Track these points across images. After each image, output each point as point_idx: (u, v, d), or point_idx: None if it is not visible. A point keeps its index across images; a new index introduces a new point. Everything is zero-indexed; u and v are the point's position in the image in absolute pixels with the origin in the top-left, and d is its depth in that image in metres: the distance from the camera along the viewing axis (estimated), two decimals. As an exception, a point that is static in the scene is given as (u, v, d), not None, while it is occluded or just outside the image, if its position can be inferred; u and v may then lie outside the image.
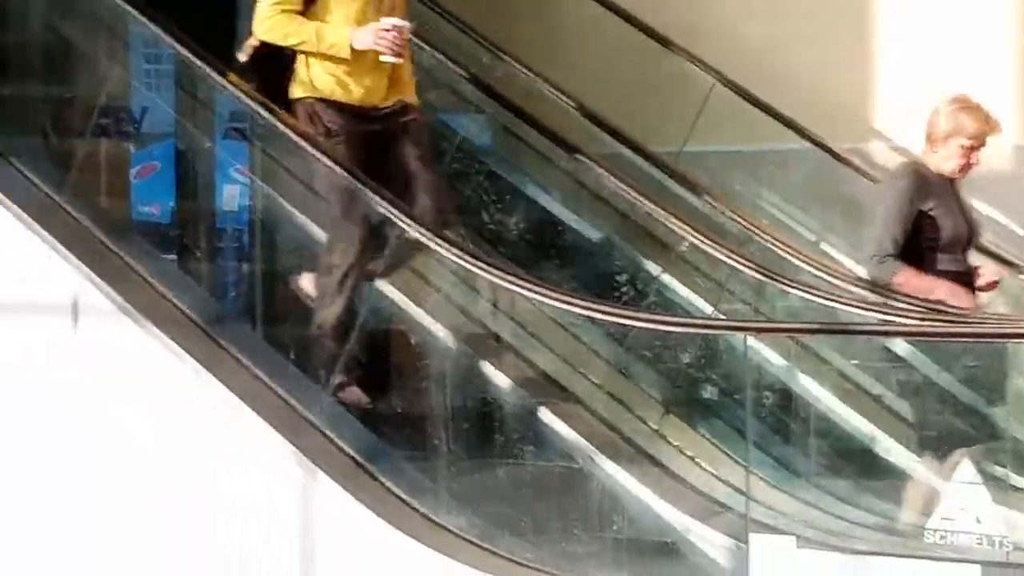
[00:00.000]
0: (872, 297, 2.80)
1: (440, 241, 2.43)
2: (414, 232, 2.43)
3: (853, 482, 2.93)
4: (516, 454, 2.90)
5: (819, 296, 2.83)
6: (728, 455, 2.95)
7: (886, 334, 2.96)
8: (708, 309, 3.13)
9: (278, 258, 3.00)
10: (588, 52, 3.36)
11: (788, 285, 2.92)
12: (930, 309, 2.74)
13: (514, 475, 2.86)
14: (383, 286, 2.78)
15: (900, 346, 2.94)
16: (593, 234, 3.17)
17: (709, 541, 2.75)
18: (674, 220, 2.90)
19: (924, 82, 3.28)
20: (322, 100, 2.61)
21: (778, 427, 3.09)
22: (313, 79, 2.62)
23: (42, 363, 2.76)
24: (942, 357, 2.79)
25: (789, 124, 3.19)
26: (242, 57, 2.66)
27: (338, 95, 2.62)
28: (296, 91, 2.64)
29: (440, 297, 2.91)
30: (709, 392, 3.03)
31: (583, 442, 2.90)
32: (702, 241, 2.91)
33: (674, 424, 2.99)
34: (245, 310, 2.95)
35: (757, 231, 3.02)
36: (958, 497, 2.59)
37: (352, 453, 2.70)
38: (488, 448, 2.81)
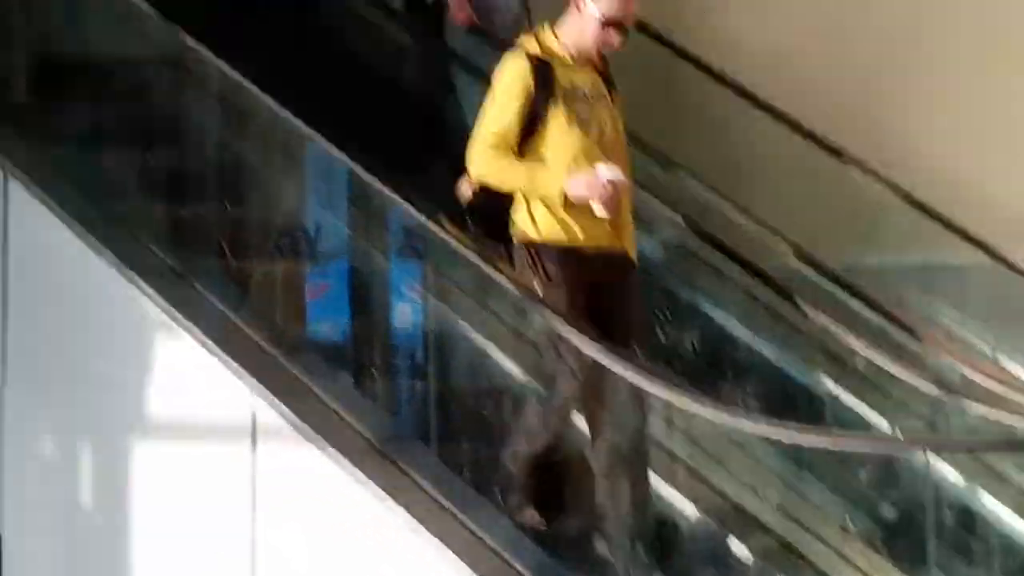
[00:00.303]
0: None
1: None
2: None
3: None
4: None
5: (999, 410, 2.76)
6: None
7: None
8: (885, 426, 3.06)
9: (451, 375, 2.99)
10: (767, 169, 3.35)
11: (967, 399, 2.86)
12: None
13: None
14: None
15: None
16: (769, 351, 3.13)
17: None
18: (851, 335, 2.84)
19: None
20: (543, 244, 2.51)
21: (960, 547, 3.01)
22: (535, 219, 2.52)
23: (224, 485, 2.79)
24: None
25: (965, 235, 3.13)
26: (464, 197, 2.60)
27: (561, 238, 2.52)
28: (516, 233, 2.56)
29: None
30: (888, 512, 2.96)
31: (766, 566, 2.86)
32: (879, 355, 2.86)
33: (856, 547, 2.92)
34: (421, 429, 2.94)
35: (934, 345, 2.95)
36: None
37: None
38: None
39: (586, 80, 2.68)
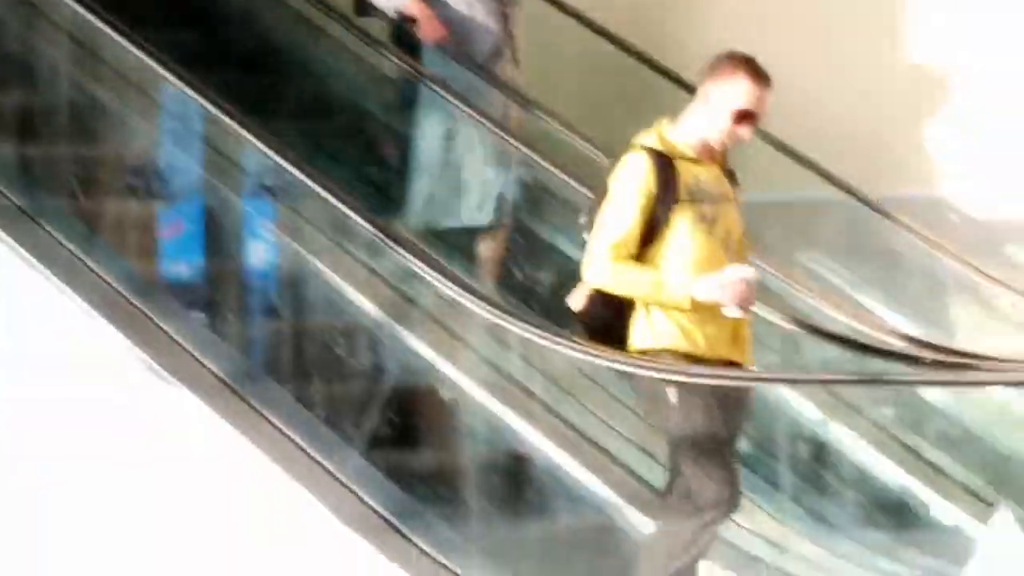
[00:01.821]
0: (906, 347, 2.76)
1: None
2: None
3: (889, 534, 2.87)
4: (548, 510, 2.90)
5: (854, 347, 2.79)
6: (762, 508, 2.90)
7: (922, 383, 2.92)
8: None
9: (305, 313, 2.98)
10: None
11: (822, 336, 2.88)
12: (964, 356, 2.70)
13: (544, 531, 2.85)
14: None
15: (932, 395, 2.88)
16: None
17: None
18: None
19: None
20: (666, 352, 2.35)
21: (812, 479, 3.05)
22: (654, 327, 2.36)
23: (78, 422, 2.76)
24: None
25: (824, 174, 3.15)
26: (575, 305, 2.42)
27: (682, 346, 2.36)
28: (638, 342, 2.39)
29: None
30: (744, 445, 2.98)
31: (613, 495, 2.89)
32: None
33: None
34: (274, 368, 2.92)
35: (790, 282, 2.98)
36: (993, 546, 2.55)
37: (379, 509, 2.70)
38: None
39: (710, 176, 2.46)
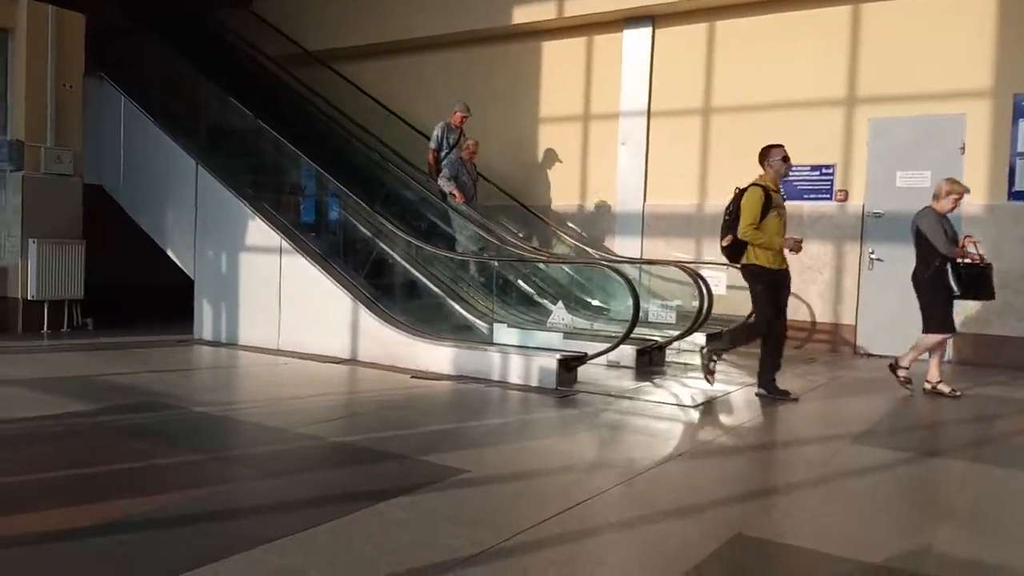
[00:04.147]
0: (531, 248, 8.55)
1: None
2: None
3: (526, 308, 8.65)
4: (423, 298, 8.72)
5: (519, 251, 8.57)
6: (488, 298, 8.70)
7: (539, 261, 8.74)
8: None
9: (349, 235, 8.86)
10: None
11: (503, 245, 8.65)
12: (552, 254, 8.50)
13: (420, 304, 8.65)
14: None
15: (542, 265, 8.73)
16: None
17: (481, 326, 8.42)
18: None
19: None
20: (760, 266, 6.28)
21: (506, 290, 8.83)
22: (757, 256, 6.27)
23: (273, 267, 8.62)
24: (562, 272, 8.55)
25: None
26: (725, 243, 6.42)
27: (768, 264, 6.29)
28: (750, 260, 6.32)
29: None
30: (482, 280, 8.79)
31: (443, 294, 8.71)
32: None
33: (473, 289, 8.78)
34: (340, 254, 8.76)
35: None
36: (556, 312, 8.20)
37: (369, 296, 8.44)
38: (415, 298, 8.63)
39: (778, 196, 6.34)
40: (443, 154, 10.18)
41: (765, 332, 6.39)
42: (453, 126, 10.34)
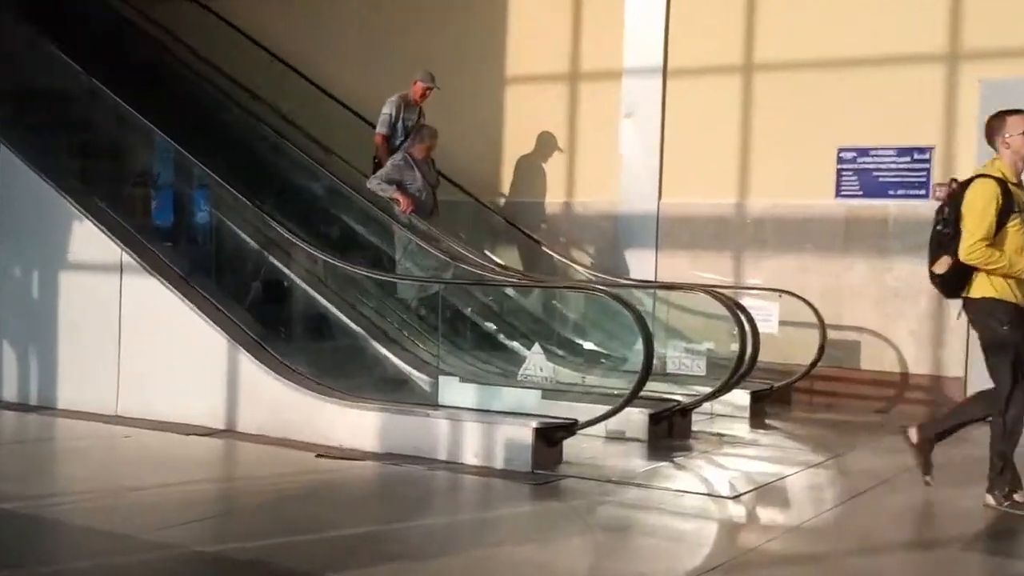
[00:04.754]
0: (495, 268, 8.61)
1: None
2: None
3: (487, 354, 8.65)
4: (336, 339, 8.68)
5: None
6: (430, 339, 8.69)
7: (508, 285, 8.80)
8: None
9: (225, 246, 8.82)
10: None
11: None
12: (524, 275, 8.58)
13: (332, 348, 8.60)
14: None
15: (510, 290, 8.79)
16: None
17: (422, 379, 8.39)
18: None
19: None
20: (999, 300, 5.83)
21: (457, 331, 8.86)
22: (993, 285, 5.84)
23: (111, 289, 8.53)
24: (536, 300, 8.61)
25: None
26: (939, 270, 6.06)
27: (1008, 296, 5.85)
28: (979, 292, 5.89)
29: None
30: (424, 313, 8.80)
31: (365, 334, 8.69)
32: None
33: (410, 326, 8.78)
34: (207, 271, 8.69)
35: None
36: (531, 359, 8.15)
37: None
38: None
39: (1020, 196, 5.86)
40: (399, 142, 10.11)
41: (1005, 406, 5.93)
42: (412, 102, 10.32)
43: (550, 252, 10.63)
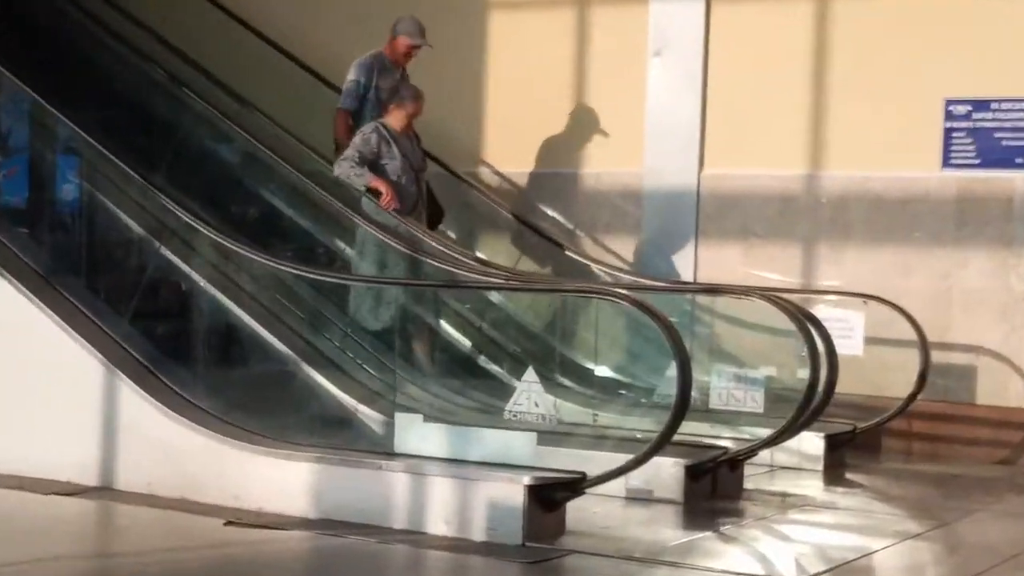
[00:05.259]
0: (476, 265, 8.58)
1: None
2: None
3: (461, 381, 8.60)
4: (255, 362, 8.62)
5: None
6: (383, 362, 8.63)
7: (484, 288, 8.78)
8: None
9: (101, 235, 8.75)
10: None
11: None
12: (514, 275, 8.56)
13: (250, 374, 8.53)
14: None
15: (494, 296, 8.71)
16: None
17: (370, 417, 8.31)
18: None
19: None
20: None
21: (420, 351, 8.81)
22: None
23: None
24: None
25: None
26: None
27: None
28: None
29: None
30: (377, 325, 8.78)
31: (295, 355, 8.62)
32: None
33: (352, 344, 8.73)
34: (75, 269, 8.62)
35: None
36: (523, 390, 8.08)
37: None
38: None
39: None
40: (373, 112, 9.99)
41: None
42: (390, 61, 10.22)
43: (550, 240, 10.58)
